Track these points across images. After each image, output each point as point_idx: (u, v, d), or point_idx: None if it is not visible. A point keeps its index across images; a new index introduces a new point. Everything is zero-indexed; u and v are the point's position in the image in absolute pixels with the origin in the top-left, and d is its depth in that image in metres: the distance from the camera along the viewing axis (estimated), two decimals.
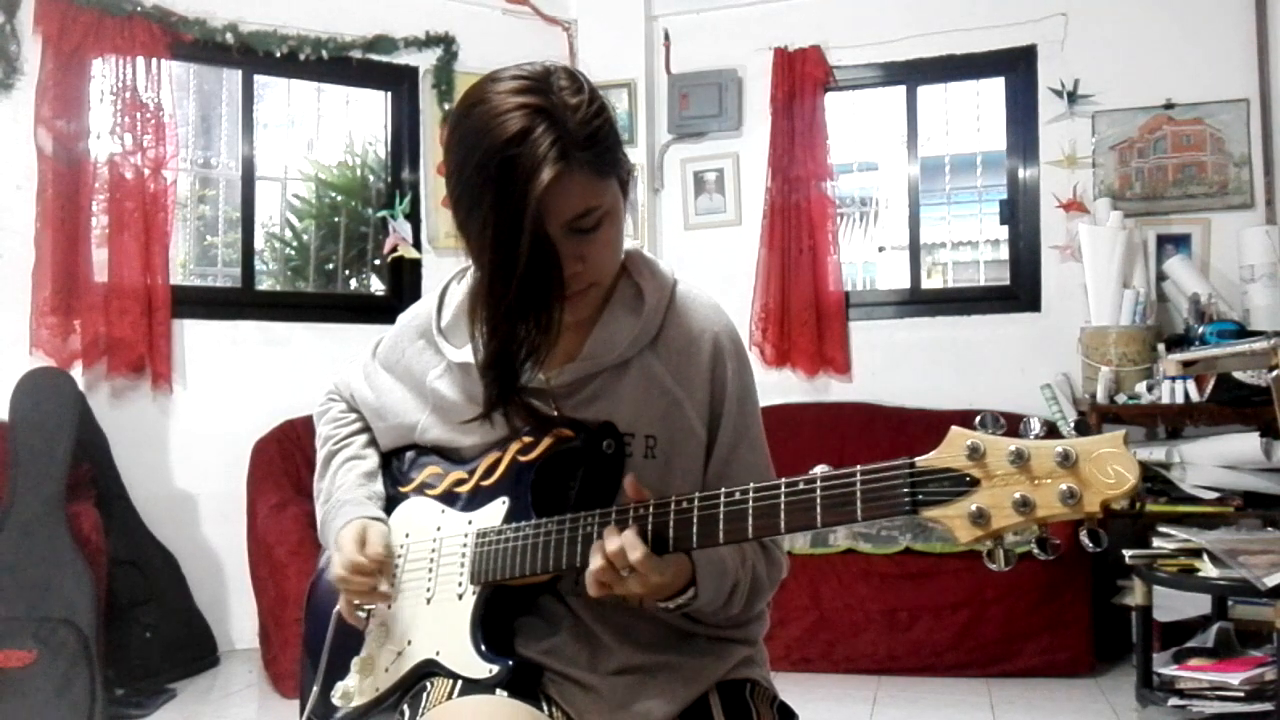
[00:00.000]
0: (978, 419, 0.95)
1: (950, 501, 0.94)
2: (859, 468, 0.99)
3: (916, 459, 0.96)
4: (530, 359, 1.18)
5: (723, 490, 1.09)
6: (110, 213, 3.80)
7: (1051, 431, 0.93)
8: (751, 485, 1.07)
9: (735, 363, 1.28)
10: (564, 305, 1.15)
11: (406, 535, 1.33)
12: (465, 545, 1.26)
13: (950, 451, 0.95)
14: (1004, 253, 4.56)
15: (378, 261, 4.68)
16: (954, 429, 0.95)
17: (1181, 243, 4.10)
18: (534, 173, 1.07)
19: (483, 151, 1.09)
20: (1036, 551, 0.92)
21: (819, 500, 1.02)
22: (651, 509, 1.12)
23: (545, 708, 1.20)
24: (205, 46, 4.04)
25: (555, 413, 1.25)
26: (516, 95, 1.10)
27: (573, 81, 1.14)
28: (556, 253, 1.11)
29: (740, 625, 1.32)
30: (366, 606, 1.31)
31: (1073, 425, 0.91)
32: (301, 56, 4.18)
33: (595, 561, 1.11)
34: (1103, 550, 0.91)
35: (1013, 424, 0.94)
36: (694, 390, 1.26)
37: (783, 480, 1.05)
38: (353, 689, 1.31)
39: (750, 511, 1.06)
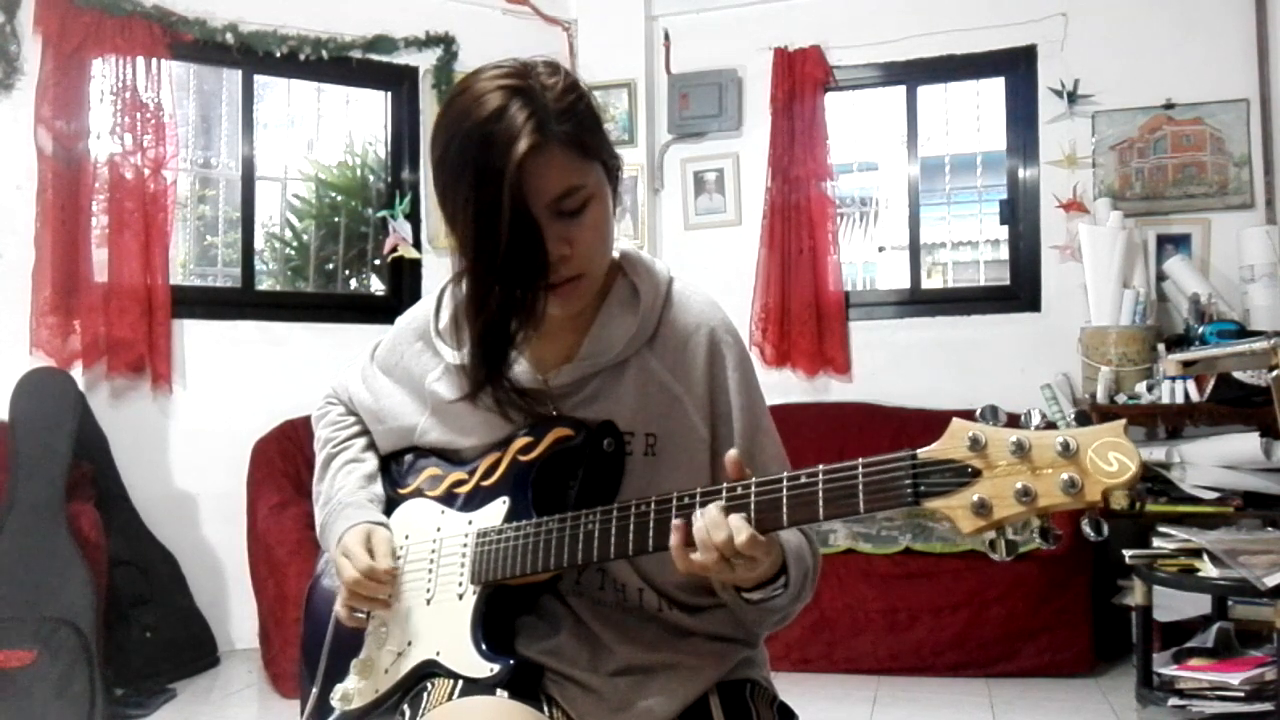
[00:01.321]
0: (978, 412, 0.95)
1: (952, 492, 0.94)
2: (860, 460, 0.99)
3: (918, 450, 0.96)
4: (517, 337, 1.18)
5: (725, 485, 1.08)
6: (110, 213, 3.80)
7: (1051, 427, 0.94)
8: (754, 480, 1.06)
9: (734, 355, 1.28)
10: (549, 285, 1.15)
11: (406, 536, 1.33)
12: (465, 545, 1.26)
13: (952, 443, 0.95)
14: (1004, 253, 4.56)
15: (378, 261, 4.68)
16: (955, 421, 0.96)
17: (1181, 243, 4.10)
18: (510, 145, 1.08)
19: (463, 133, 1.11)
20: (1039, 541, 0.92)
21: (821, 493, 1.01)
22: (653, 505, 1.12)
23: (546, 708, 1.20)
24: (205, 46, 4.04)
25: (554, 413, 1.25)
26: (495, 80, 1.13)
27: (550, 67, 1.17)
28: (539, 229, 1.11)
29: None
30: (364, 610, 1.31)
31: (1072, 416, 0.90)
32: (301, 56, 4.18)
33: (705, 555, 1.06)
34: (1104, 540, 0.91)
35: (1012, 422, 0.95)
36: (693, 386, 1.26)
37: (785, 474, 1.05)
38: (352, 691, 1.30)
39: (752, 505, 1.05)
